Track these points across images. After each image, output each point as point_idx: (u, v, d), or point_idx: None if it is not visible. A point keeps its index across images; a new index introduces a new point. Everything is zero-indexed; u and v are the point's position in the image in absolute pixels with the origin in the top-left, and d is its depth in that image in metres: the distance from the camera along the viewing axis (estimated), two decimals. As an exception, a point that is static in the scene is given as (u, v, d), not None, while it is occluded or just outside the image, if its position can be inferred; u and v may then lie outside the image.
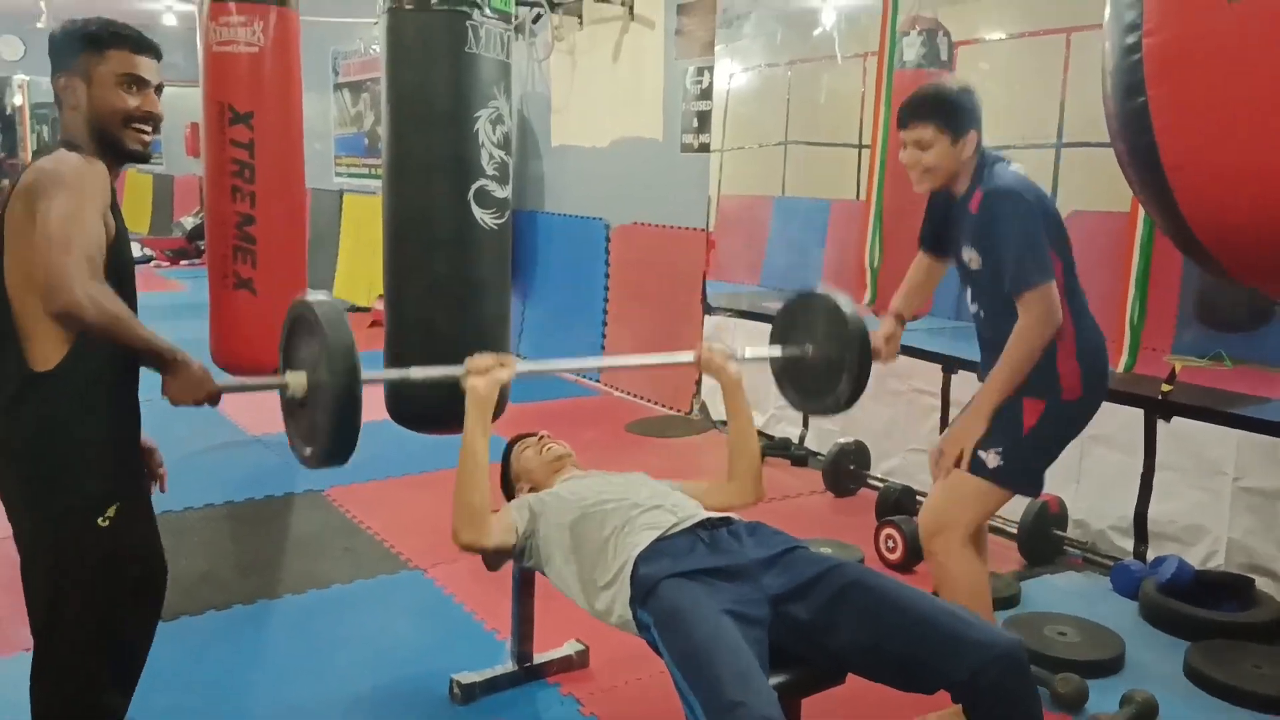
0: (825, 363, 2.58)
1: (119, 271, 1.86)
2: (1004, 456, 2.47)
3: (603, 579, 2.16)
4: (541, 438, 2.65)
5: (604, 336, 6.40)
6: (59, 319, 1.73)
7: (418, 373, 2.24)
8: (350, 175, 9.83)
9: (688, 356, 2.52)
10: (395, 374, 2.22)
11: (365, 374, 1.95)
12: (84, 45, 1.87)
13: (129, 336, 1.75)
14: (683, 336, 5.80)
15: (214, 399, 1.87)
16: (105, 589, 1.92)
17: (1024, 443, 2.48)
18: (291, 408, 2.07)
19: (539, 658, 2.85)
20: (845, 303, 2.53)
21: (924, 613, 1.88)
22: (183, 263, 12.26)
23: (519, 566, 2.65)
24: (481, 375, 2.22)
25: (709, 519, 2.19)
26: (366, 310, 8.73)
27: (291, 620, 3.20)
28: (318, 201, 9.10)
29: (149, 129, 1.93)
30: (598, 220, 6.43)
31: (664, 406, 5.88)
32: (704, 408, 5.66)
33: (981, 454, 2.49)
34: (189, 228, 12.60)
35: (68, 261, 1.68)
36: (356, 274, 9.59)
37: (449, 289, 3.00)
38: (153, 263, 12.05)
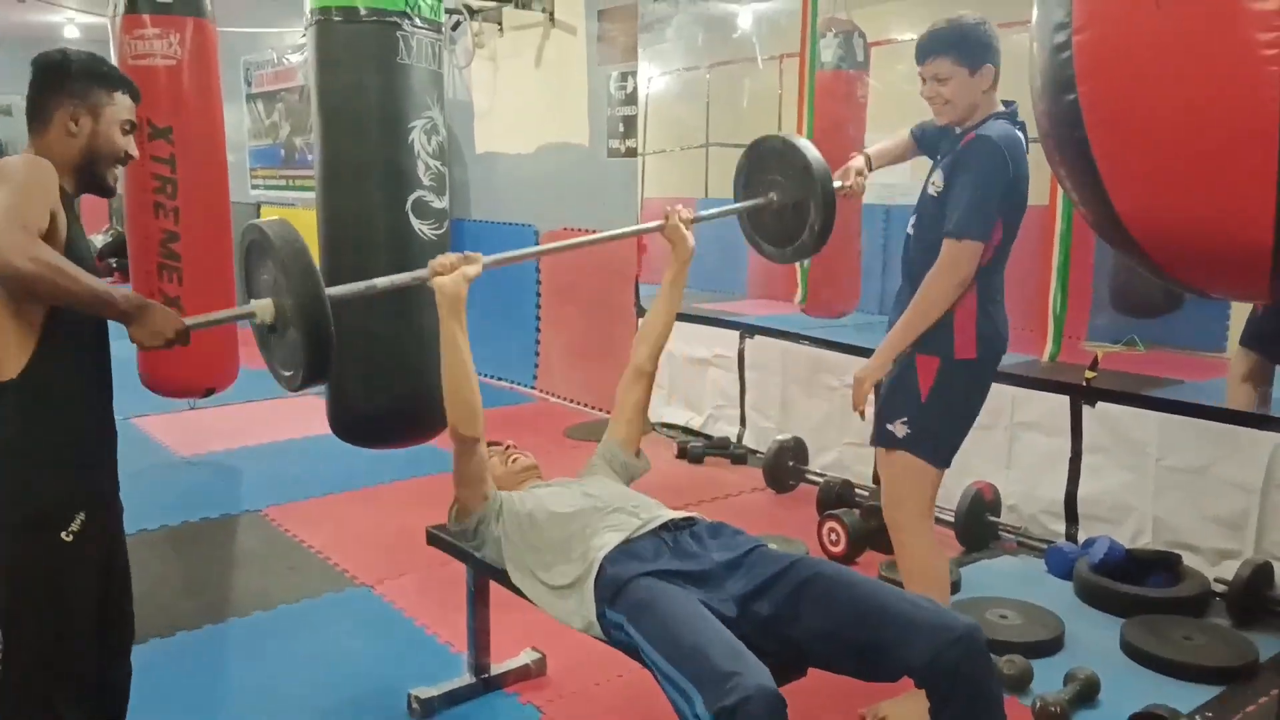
0: (792, 206, 2.70)
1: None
2: (910, 425, 2.58)
3: (566, 582, 2.17)
4: (508, 448, 2.65)
5: (538, 343, 6.40)
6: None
7: (383, 282, 2.22)
8: (267, 187, 9.65)
9: (657, 225, 2.59)
10: (360, 286, 2.17)
11: (329, 290, 1.95)
12: (98, 82, 1.95)
13: (75, 287, 1.72)
14: (617, 340, 5.83)
15: (183, 338, 1.84)
16: (63, 604, 1.89)
17: (925, 409, 2.58)
18: (264, 335, 2.06)
19: (496, 668, 2.85)
20: (802, 143, 2.67)
21: (882, 600, 1.93)
22: (93, 281, 11.90)
23: (472, 566, 2.64)
24: (447, 273, 2.21)
25: (671, 520, 2.22)
26: (290, 324, 8.60)
27: (240, 643, 3.15)
28: (234, 214, 8.91)
29: (123, 167, 2.02)
30: (527, 227, 6.42)
31: (602, 411, 5.90)
32: (640, 410, 5.69)
33: (889, 427, 2.61)
34: (99, 246, 12.22)
35: (3, 229, 1.66)
36: (278, 287, 9.43)
37: (388, 302, 2.96)
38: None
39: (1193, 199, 1.72)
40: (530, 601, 2.28)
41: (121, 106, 1.98)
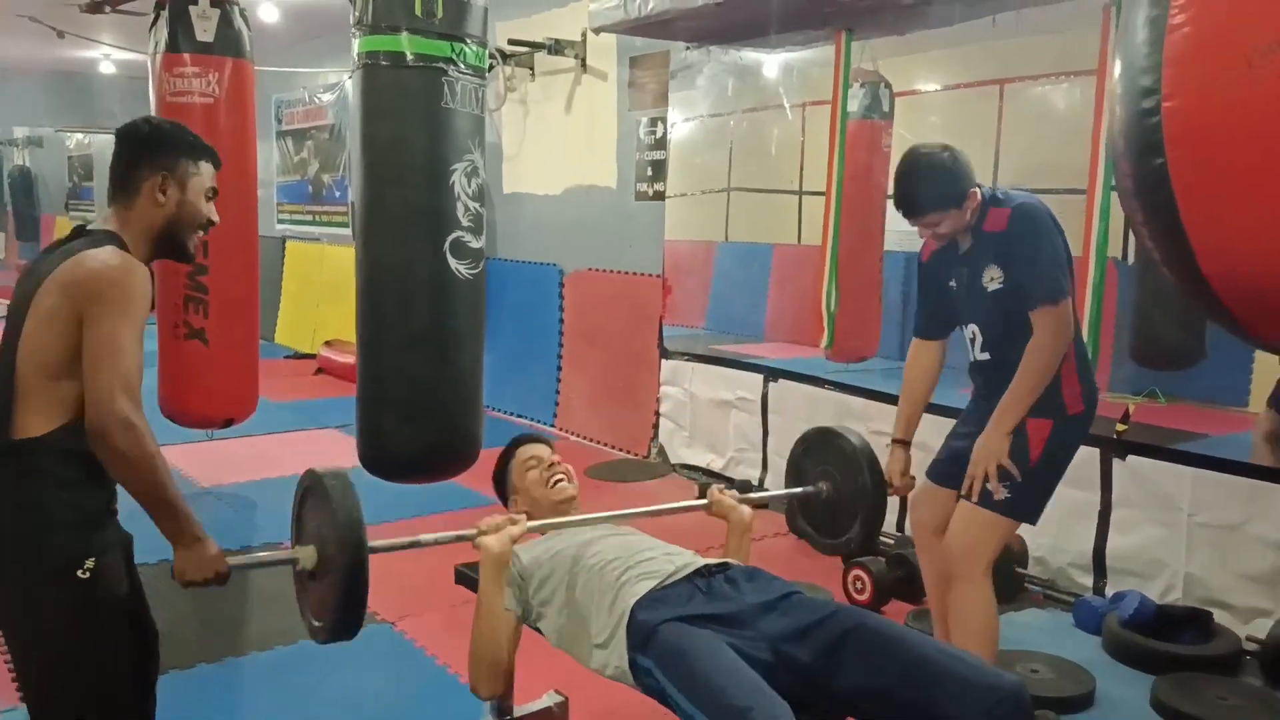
0: (839, 503, 2.64)
1: None
2: (1011, 490, 2.55)
3: (599, 634, 2.15)
4: (552, 465, 2.55)
5: (559, 382, 6.41)
6: (92, 437, 1.74)
7: (428, 538, 2.27)
8: (293, 222, 9.75)
9: (702, 502, 2.54)
10: (404, 541, 2.23)
11: (373, 543, 1.97)
12: (186, 153, 1.96)
13: (154, 483, 1.76)
14: (638, 381, 5.84)
15: (223, 579, 1.87)
16: (89, 645, 1.88)
17: (1033, 473, 2.55)
18: (303, 581, 2.09)
19: (518, 710, 2.81)
20: (859, 441, 2.60)
21: (929, 656, 1.90)
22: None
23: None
24: (494, 534, 2.24)
25: (705, 566, 2.20)
26: (311, 357, 8.63)
27: (260, 678, 3.14)
28: (259, 248, 9.02)
29: (204, 233, 2.04)
30: (551, 266, 6.46)
31: (622, 450, 5.89)
32: (661, 451, 5.69)
33: (989, 487, 2.56)
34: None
35: (114, 385, 1.71)
36: (300, 321, 9.48)
37: (426, 339, 2.99)
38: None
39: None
40: (565, 651, 2.27)
41: (206, 175, 1.99)
